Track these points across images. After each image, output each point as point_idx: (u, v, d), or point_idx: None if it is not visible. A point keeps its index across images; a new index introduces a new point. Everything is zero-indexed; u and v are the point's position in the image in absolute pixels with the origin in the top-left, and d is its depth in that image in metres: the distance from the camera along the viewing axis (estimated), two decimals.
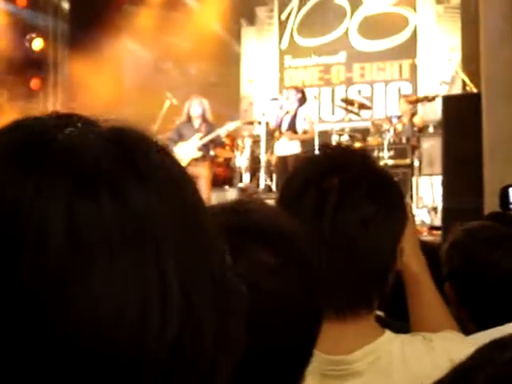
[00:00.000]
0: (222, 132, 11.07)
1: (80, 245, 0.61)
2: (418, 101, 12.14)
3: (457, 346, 1.56)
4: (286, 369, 1.08)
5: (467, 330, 2.35)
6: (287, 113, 11.51)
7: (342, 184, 1.52)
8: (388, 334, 1.57)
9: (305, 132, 11.45)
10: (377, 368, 1.51)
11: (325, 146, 1.77)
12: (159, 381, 0.62)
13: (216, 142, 11.21)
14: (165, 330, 0.62)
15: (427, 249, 2.88)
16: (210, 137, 10.76)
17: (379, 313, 2.52)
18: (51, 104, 14.76)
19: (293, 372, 1.10)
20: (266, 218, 1.12)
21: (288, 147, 11.12)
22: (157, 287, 0.62)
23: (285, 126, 11.37)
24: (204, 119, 10.86)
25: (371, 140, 11.81)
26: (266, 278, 1.04)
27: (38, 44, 14.35)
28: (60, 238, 0.60)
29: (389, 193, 1.58)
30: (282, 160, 11.02)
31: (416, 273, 1.81)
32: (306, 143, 11.22)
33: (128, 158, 0.67)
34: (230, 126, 11.30)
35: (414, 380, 1.51)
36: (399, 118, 11.76)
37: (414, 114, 11.88)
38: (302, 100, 11.52)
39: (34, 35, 14.16)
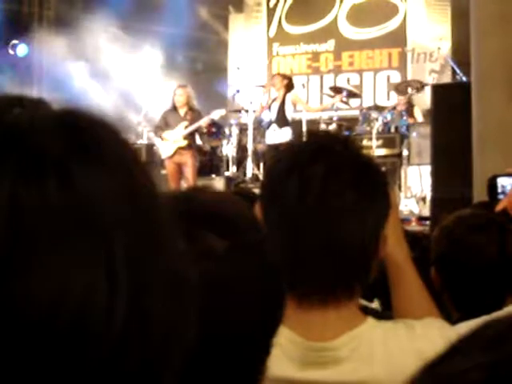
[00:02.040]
0: (206, 121, 11.03)
1: (22, 233, 0.58)
2: (406, 86, 12.09)
3: (439, 333, 1.58)
4: (240, 357, 1.06)
5: (451, 317, 2.36)
6: (275, 100, 11.45)
7: (325, 171, 1.51)
8: (370, 320, 1.58)
9: (296, 121, 11.45)
10: (359, 355, 1.52)
11: (309, 133, 1.77)
12: (105, 369, 0.61)
13: (201, 131, 11.20)
14: (111, 318, 0.60)
15: (411, 238, 2.86)
16: (194, 126, 10.74)
17: (375, 305, 2.50)
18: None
19: (249, 360, 1.08)
20: (216, 204, 1.12)
21: (280, 135, 11.06)
22: (104, 275, 0.60)
23: (273, 114, 11.32)
24: (189, 107, 10.83)
25: (359, 129, 11.78)
26: (215, 263, 1.04)
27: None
28: (1, 225, 0.58)
29: (372, 180, 1.58)
30: (274, 148, 10.95)
31: (399, 261, 1.80)
32: (295, 131, 11.18)
33: (78, 142, 0.64)
34: (214, 115, 11.26)
35: (395, 366, 1.51)
36: (394, 108, 11.73)
37: (411, 106, 11.82)
38: (289, 86, 11.45)
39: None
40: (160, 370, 0.66)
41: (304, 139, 1.85)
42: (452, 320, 2.21)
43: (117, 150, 0.67)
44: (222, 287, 1.03)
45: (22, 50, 14.37)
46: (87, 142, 0.64)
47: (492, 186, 3.32)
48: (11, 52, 14.21)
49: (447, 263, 2.45)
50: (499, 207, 2.07)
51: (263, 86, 12.51)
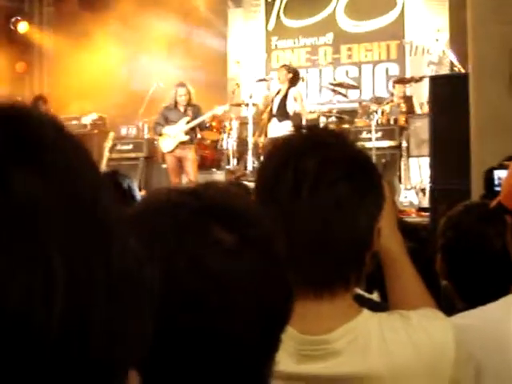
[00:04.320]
0: (209, 116, 11.06)
1: None
2: (407, 81, 12.12)
3: (434, 323, 1.59)
4: (249, 355, 1.06)
5: (454, 306, 2.38)
6: (278, 93, 11.43)
7: (318, 164, 1.52)
8: (366, 312, 1.58)
9: (296, 114, 11.41)
10: (355, 347, 1.52)
11: (302, 127, 1.77)
12: (47, 367, 0.60)
13: (202, 126, 11.21)
14: (49, 318, 0.60)
15: (410, 229, 2.88)
16: (196, 121, 10.77)
17: (374, 296, 2.51)
18: (37, 87, 14.68)
19: (257, 358, 1.08)
20: (224, 198, 1.11)
21: (280, 128, 11.05)
22: (41, 276, 0.59)
23: (275, 107, 11.31)
24: (189, 103, 10.84)
25: (358, 121, 11.78)
26: (224, 257, 1.03)
27: (23, 27, 14.27)
28: None
29: (365, 173, 1.58)
30: (273, 141, 10.94)
31: (393, 253, 1.80)
32: (297, 124, 11.17)
33: (16, 140, 0.62)
34: (217, 110, 11.29)
35: (392, 358, 1.52)
36: (392, 101, 11.74)
37: (410, 98, 11.84)
38: (293, 80, 11.43)
39: (19, 18, 14.07)
40: (107, 368, 0.65)
41: (299, 132, 1.84)
42: (456, 309, 2.23)
43: (62, 150, 0.65)
44: (231, 280, 1.03)
45: (23, 26, 14.31)
46: (27, 142, 0.63)
47: (489, 178, 3.34)
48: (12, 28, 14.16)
49: (454, 252, 2.44)
50: (493, 204, 2.09)
51: (264, 80, 12.46)
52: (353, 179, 1.53)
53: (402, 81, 12.21)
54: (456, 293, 2.45)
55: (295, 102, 11.34)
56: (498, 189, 2.83)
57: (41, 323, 0.59)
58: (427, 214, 8.48)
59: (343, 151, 1.58)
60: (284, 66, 12.19)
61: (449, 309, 2.12)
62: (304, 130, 1.72)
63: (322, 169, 1.52)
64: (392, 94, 11.95)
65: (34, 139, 0.63)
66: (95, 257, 0.63)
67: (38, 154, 0.63)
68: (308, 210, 1.50)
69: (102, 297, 0.63)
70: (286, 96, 11.30)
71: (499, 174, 3.23)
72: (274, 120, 11.30)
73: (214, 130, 12.44)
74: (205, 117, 10.94)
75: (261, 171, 1.68)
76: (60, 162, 0.64)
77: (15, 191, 0.60)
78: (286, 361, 1.45)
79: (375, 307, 1.64)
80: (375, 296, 2.63)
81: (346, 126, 11.69)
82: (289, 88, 11.34)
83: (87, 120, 12.50)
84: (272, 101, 11.43)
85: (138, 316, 0.68)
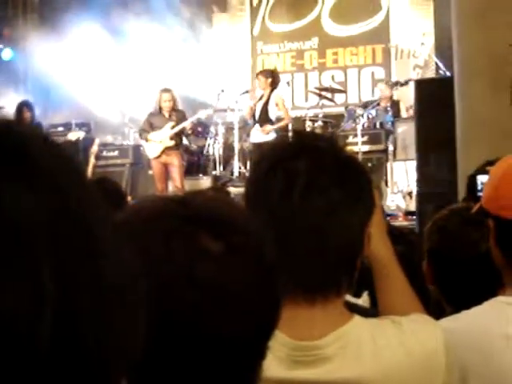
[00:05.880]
0: (193, 120, 11.04)
1: None
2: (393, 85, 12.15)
3: (425, 329, 1.59)
4: (236, 359, 1.05)
5: (442, 310, 2.37)
6: (260, 99, 11.41)
7: (309, 168, 1.51)
8: (357, 318, 1.57)
9: (278, 119, 11.38)
10: (347, 353, 1.51)
11: (293, 132, 1.77)
12: (39, 374, 0.60)
13: (186, 132, 11.20)
14: (39, 332, 0.60)
15: (398, 233, 2.88)
16: (181, 125, 10.74)
17: (362, 300, 2.51)
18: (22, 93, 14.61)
19: (245, 364, 1.07)
20: (212, 205, 1.10)
21: (262, 134, 11.04)
22: (30, 289, 0.60)
23: (257, 113, 11.27)
24: (174, 109, 10.82)
25: (344, 125, 11.80)
26: (211, 264, 1.02)
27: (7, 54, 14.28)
28: None
29: (356, 178, 1.57)
30: (257, 147, 10.95)
31: (383, 259, 1.80)
32: (281, 129, 11.15)
33: (5, 156, 0.62)
34: (201, 114, 11.26)
35: (383, 363, 1.52)
36: (378, 104, 11.77)
37: (396, 101, 11.87)
38: (273, 83, 11.38)
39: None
40: (99, 379, 0.65)
41: (289, 137, 1.83)
42: (444, 314, 2.21)
43: (48, 164, 0.65)
44: (218, 288, 1.02)
45: (7, 54, 14.30)
46: (14, 156, 0.63)
47: (472, 183, 3.34)
48: None
49: (440, 257, 2.43)
50: (475, 208, 2.10)
51: (247, 92, 12.41)
52: (344, 183, 1.53)
53: (389, 84, 12.23)
54: (443, 298, 2.45)
55: (277, 107, 11.28)
56: (480, 194, 2.84)
57: (31, 337, 0.59)
58: (414, 217, 8.50)
59: (334, 155, 1.57)
60: (260, 72, 12.08)
61: (437, 313, 2.12)
62: (294, 134, 1.71)
63: (313, 173, 1.50)
64: (379, 103, 11.91)
65: (19, 152, 0.63)
66: (86, 270, 0.63)
67: (25, 168, 0.62)
68: (299, 214, 1.49)
69: (93, 309, 0.63)
70: (267, 101, 11.25)
71: (482, 179, 3.23)
72: (257, 126, 11.25)
73: (200, 136, 12.43)
74: (189, 121, 10.92)
75: (251, 175, 1.67)
76: (47, 175, 0.64)
77: (7, 209, 0.60)
78: (276, 366, 1.45)
79: (363, 314, 1.63)
80: (365, 298, 2.62)
81: (331, 130, 11.70)
82: (271, 92, 11.29)
83: (73, 136, 12.34)
84: (254, 106, 11.39)
85: (131, 328, 0.68)
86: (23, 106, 12.12)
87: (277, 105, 11.27)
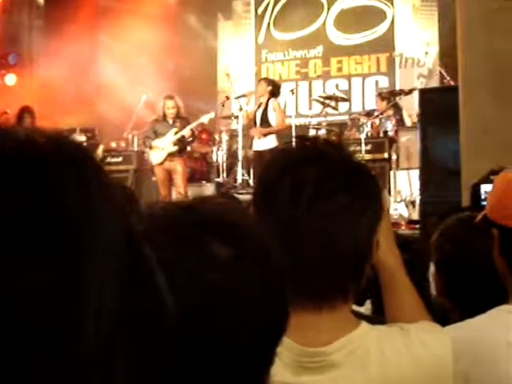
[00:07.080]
0: (196, 125, 11.03)
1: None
2: (392, 95, 12.12)
3: (433, 336, 1.59)
4: (244, 365, 1.05)
5: (448, 321, 2.34)
6: (259, 106, 11.42)
7: (317, 174, 1.50)
8: (364, 325, 1.56)
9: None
10: (354, 359, 1.50)
11: (301, 138, 1.75)
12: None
13: (190, 139, 11.17)
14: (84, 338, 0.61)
15: (403, 241, 2.88)
16: (184, 131, 10.72)
17: (364, 309, 2.50)
18: (28, 100, 14.61)
19: (253, 370, 1.07)
20: (219, 212, 1.10)
21: (264, 142, 11.03)
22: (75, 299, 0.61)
23: (258, 121, 11.27)
24: (178, 116, 10.82)
25: (348, 134, 11.80)
26: (219, 271, 1.03)
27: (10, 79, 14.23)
28: None
29: (365, 184, 1.57)
30: (259, 155, 10.95)
31: (391, 267, 1.79)
32: (282, 137, 11.13)
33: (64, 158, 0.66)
34: (204, 118, 11.25)
35: (391, 370, 1.51)
36: (382, 113, 11.76)
37: (399, 110, 11.85)
38: (273, 92, 11.38)
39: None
40: None
41: (294, 144, 1.80)
42: (448, 324, 2.23)
43: (107, 187, 0.68)
44: (225, 295, 1.02)
45: (10, 79, 14.28)
46: (85, 177, 0.66)
47: (475, 193, 3.33)
48: None
49: (452, 267, 2.42)
50: (478, 218, 2.10)
51: (244, 96, 12.40)
52: (353, 190, 1.52)
53: (385, 97, 12.20)
54: (455, 307, 2.43)
55: (274, 112, 11.28)
56: (484, 203, 2.83)
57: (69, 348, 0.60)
58: (417, 226, 8.49)
59: (343, 161, 1.57)
60: (263, 79, 12.14)
61: (441, 323, 2.11)
62: (302, 141, 1.69)
63: (321, 179, 1.50)
64: (382, 113, 11.90)
65: (89, 177, 0.66)
66: (127, 295, 0.65)
67: (96, 192, 0.66)
68: (307, 220, 1.48)
69: (132, 336, 0.65)
70: (266, 108, 11.25)
71: (486, 188, 3.22)
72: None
73: (204, 143, 12.43)
74: (192, 126, 10.89)
75: (259, 180, 1.66)
76: (113, 198, 0.68)
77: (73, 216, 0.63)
78: (283, 372, 1.45)
79: (369, 321, 1.62)
80: (368, 307, 2.62)
81: (334, 138, 11.69)
82: (268, 100, 11.29)
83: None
84: (255, 114, 11.39)
85: (162, 350, 0.70)
86: (25, 112, 12.11)
87: (274, 110, 11.27)
